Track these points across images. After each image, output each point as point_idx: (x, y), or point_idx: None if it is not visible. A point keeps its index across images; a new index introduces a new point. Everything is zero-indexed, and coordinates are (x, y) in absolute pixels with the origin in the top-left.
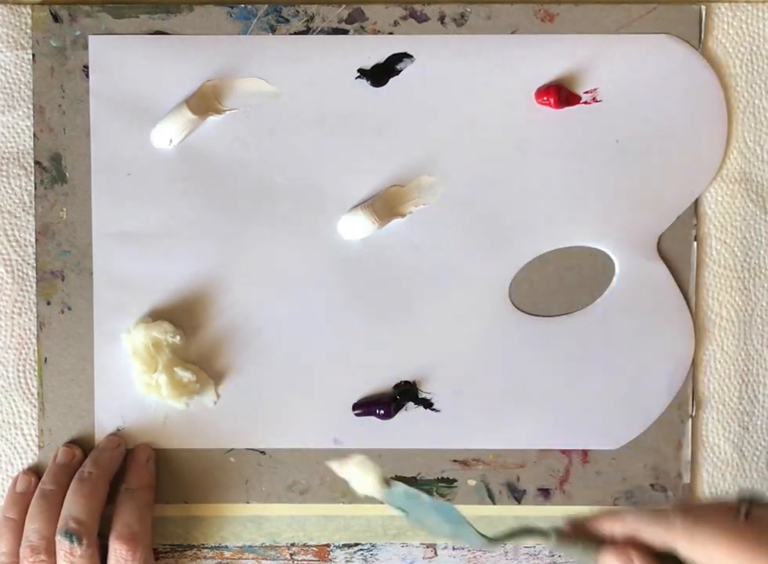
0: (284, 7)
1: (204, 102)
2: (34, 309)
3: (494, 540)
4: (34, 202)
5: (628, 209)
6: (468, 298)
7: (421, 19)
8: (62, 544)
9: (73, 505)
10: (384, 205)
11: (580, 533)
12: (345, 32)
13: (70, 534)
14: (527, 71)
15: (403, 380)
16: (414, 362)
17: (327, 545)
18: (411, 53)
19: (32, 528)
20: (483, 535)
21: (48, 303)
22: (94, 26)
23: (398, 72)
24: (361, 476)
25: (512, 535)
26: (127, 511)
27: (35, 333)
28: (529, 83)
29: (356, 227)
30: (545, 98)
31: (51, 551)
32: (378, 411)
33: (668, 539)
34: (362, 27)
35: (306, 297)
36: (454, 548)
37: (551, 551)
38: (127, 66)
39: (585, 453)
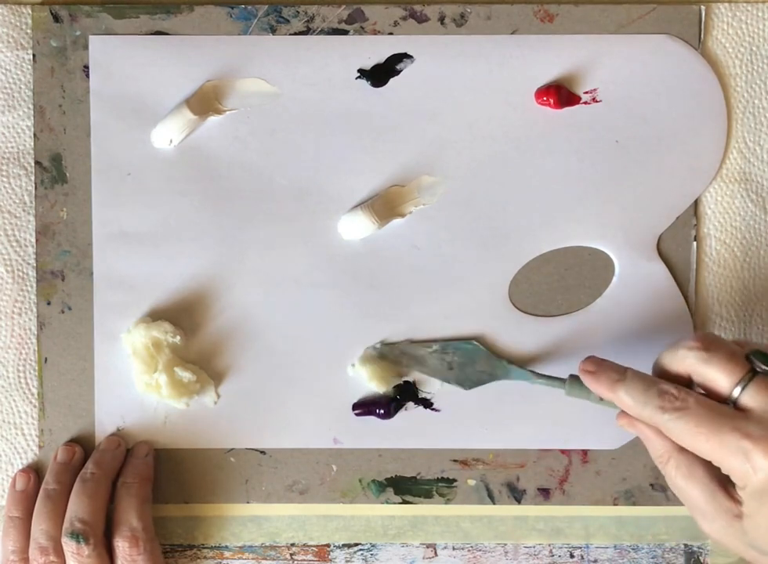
0: (284, 7)
1: (205, 102)
2: (34, 309)
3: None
4: (34, 202)
5: (628, 209)
6: (467, 298)
7: (421, 19)
8: (69, 545)
9: (77, 506)
10: (384, 205)
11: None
12: (345, 32)
13: (76, 535)
14: (527, 71)
15: (403, 379)
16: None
17: (327, 545)
18: (411, 54)
19: (39, 529)
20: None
21: (48, 303)
22: (94, 26)
23: (398, 72)
24: None
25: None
26: (126, 508)
27: (35, 333)
28: (529, 83)
29: (356, 227)
30: (545, 98)
31: (60, 551)
32: (378, 411)
33: (653, 423)
34: (362, 28)
35: (306, 297)
36: (454, 548)
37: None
38: (127, 66)
39: (584, 453)
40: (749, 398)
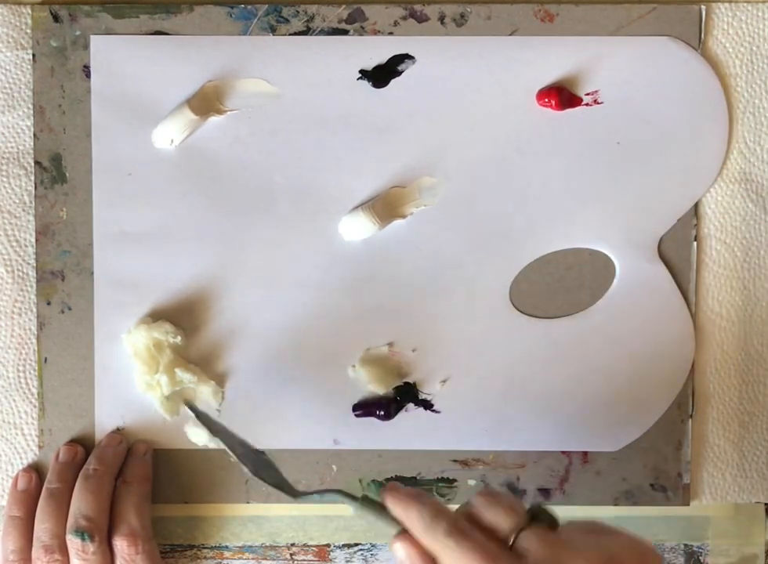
0: (284, 7)
1: (206, 102)
2: (34, 309)
3: (302, 494)
4: (34, 202)
5: (629, 211)
6: (468, 300)
7: (421, 19)
8: (73, 543)
9: (81, 503)
10: (385, 206)
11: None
12: (345, 32)
13: (81, 532)
14: (529, 73)
15: (403, 381)
16: (414, 363)
17: (327, 545)
18: (412, 55)
19: (43, 528)
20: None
21: (48, 303)
22: (94, 26)
23: (399, 73)
24: None
25: (323, 492)
26: (125, 507)
27: (35, 333)
28: (530, 85)
29: (357, 228)
30: (546, 100)
31: (64, 549)
32: (378, 412)
33: (432, 548)
34: (362, 27)
35: (306, 297)
36: None
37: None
38: (128, 66)
39: (584, 453)
40: (526, 542)
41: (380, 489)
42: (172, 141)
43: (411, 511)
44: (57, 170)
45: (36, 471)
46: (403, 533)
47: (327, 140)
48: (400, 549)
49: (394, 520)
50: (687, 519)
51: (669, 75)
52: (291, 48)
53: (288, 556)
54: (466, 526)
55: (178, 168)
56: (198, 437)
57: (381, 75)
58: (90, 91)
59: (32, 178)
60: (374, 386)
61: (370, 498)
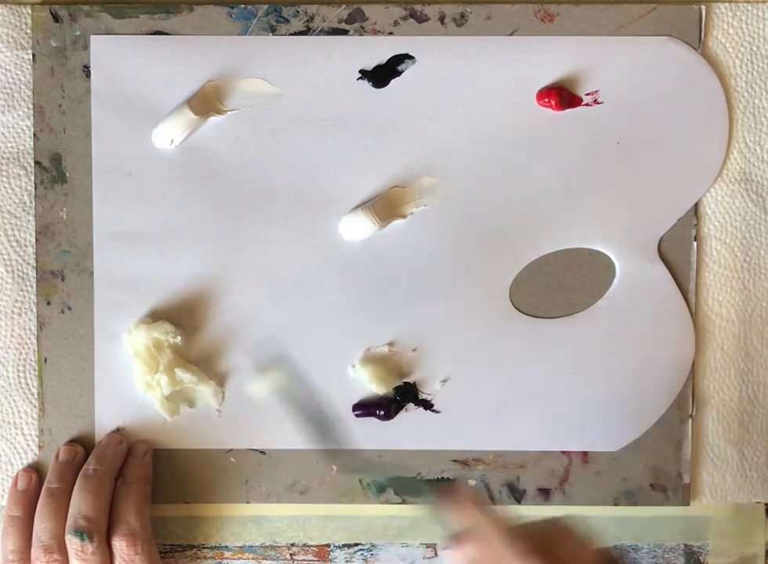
0: (283, 7)
1: (206, 102)
2: (34, 309)
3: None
4: (34, 202)
5: (629, 211)
6: (468, 300)
7: (421, 19)
8: (72, 543)
9: (81, 502)
10: (385, 206)
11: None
12: (345, 32)
13: (80, 532)
14: (529, 73)
15: (403, 381)
16: (414, 363)
17: (327, 545)
18: (412, 55)
19: (42, 527)
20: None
21: (48, 303)
22: (94, 26)
23: (399, 73)
24: None
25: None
26: (124, 507)
27: (35, 333)
28: (530, 85)
29: (357, 228)
30: (546, 100)
31: (64, 549)
32: (378, 412)
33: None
34: (362, 27)
35: (306, 297)
36: None
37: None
38: (128, 66)
39: (584, 453)
40: None
41: (437, 489)
42: (172, 141)
43: (484, 528)
44: (57, 170)
45: (36, 471)
46: (459, 540)
47: (327, 140)
48: (455, 559)
49: (448, 522)
50: (687, 519)
51: (669, 75)
52: (291, 48)
53: (288, 556)
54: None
55: (178, 168)
56: (260, 389)
57: (381, 75)
58: (90, 91)
59: (32, 178)
60: (374, 386)
61: (431, 499)
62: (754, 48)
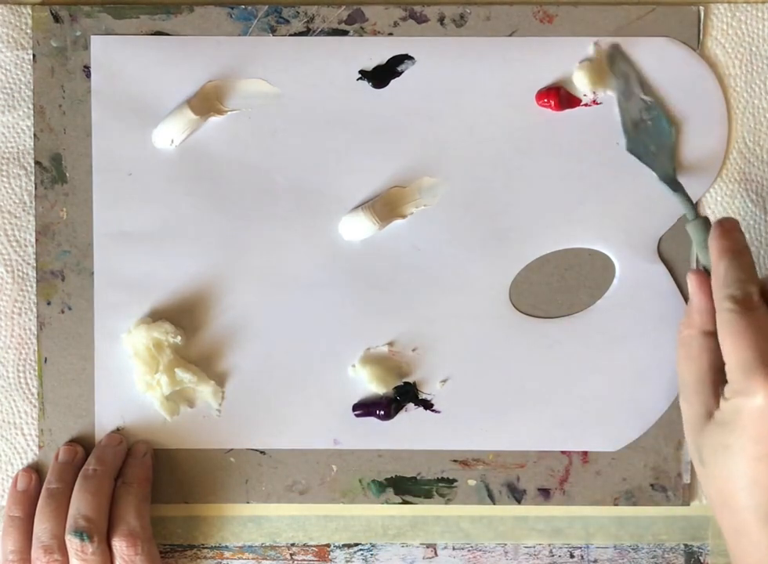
0: (284, 8)
1: (206, 102)
2: (34, 309)
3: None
4: (34, 202)
5: (628, 211)
6: (468, 300)
7: (420, 20)
8: (72, 543)
9: (80, 503)
10: (385, 206)
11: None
12: (345, 33)
13: (80, 533)
14: (528, 73)
15: (403, 381)
16: (414, 363)
17: (327, 545)
18: (412, 55)
19: (42, 528)
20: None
21: (49, 303)
22: (94, 26)
23: (399, 73)
24: None
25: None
26: (124, 507)
27: (35, 333)
28: (530, 85)
29: (357, 228)
30: (545, 100)
31: (64, 549)
32: (378, 412)
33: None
34: (362, 28)
35: (306, 297)
36: (454, 548)
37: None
38: (129, 66)
39: (584, 453)
40: None
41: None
42: (172, 141)
43: (721, 262)
44: (57, 170)
45: (36, 471)
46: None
47: (327, 140)
48: (691, 280)
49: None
50: (687, 519)
51: (668, 76)
52: (291, 48)
53: (288, 556)
54: (759, 301)
55: (178, 168)
56: None
57: (381, 76)
58: (90, 91)
59: (32, 178)
60: (374, 386)
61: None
62: (753, 49)
